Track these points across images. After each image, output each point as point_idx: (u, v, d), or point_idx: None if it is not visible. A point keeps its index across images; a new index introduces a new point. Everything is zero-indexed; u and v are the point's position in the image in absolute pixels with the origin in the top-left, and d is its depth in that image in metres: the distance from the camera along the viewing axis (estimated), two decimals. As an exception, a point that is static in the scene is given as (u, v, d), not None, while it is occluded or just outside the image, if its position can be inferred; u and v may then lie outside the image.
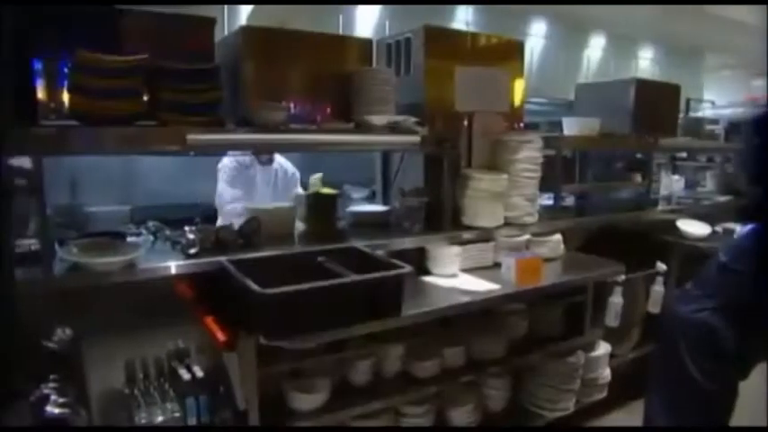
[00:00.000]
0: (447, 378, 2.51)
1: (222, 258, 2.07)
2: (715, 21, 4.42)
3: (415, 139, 2.51)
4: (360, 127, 2.46)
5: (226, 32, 3.27)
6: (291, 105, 2.40)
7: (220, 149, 2.65)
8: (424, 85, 2.77)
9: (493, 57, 3.07)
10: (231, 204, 3.34)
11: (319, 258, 2.18)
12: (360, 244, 2.37)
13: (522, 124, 3.33)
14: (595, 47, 6.48)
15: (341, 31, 4.48)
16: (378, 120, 2.43)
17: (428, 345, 2.52)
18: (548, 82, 5.68)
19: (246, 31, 2.45)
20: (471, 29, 5.24)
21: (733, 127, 4.68)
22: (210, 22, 2.30)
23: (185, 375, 2.12)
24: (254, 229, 2.40)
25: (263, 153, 3.30)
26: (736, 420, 2.21)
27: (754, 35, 4.97)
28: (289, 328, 1.83)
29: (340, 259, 2.16)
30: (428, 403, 2.54)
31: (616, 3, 4.34)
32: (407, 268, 2.01)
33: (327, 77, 2.60)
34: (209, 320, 1.96)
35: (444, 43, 2.90)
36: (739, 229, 3.86)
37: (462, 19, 5.32)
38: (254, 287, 1.77)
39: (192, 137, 2.06)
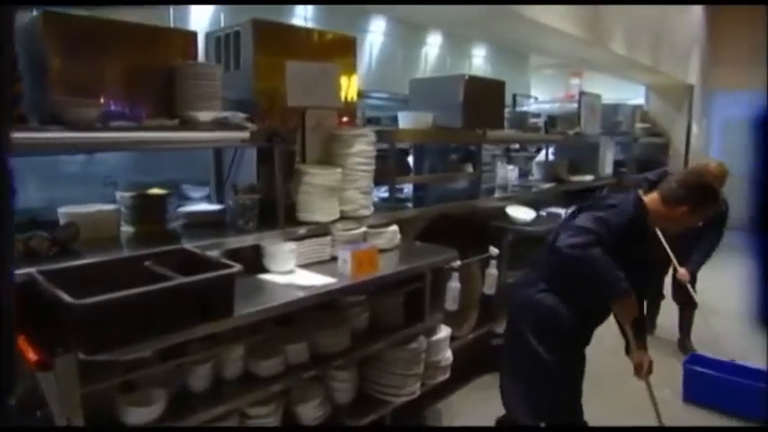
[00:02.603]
0: (291, 375, 2.48)
1: (32, 270, 1.88)
2: (534, 25, 4.80)
3: (244, 135, 2.46)
4: (185, 124, 2.36)
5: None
6: (110, 102, 2.25)
7: (23, 150, 2.40)
8: (255, 79, 2.72)
9: (325, 52, 3.08)
10: None
11: (146, 263, 2.06)
12: (192, 245, 2.28)
13: (357, 119, 3.39)
14: (433, 44, 6.77)
15: (172, 24, 4.26)
16: (204, 116, 2.34)
17: (270, 343, 2.49)
18: (387, 77, 5.85)
19: (47, 16, 2.19)
20: (310, 25, 5.24)
21: (551, 120, 5.13)
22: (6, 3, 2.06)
23: (-8, 404, 1.90)
24: (71, 236, 2.21)
25: (78, 154, 3.05)
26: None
27: (568, 40, 5.50)
28: (111, 340, 1.71)
29: (168, 262, 2.05)
30: (274, 402, 2.50)
31: (443, 3, 4.55)
32: (237, 267, 1.97)
33: (148, 72, 2.44)
34: (20, 339, 1.77)
35: (275, 38, 2.86)
36: (564, 212, 4.26)
37: (301, 15, 5.29)
38: (67, 298, 1.63)
39: (-14, 136, 1.84)
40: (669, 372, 4.15)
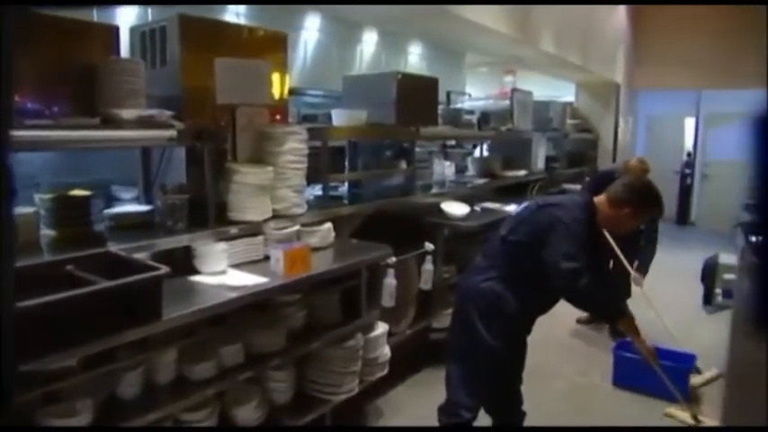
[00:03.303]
0: (227, 377, 2.44)
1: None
2: (467, 24, 4.87)
3: (171, 133, 2.39)
4: (108, 122, 2.27)
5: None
6: (26, 100, 2.14)
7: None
8: (182, 76, 2.66)
9: (256, 49, 3.04)
10: None
11: (68, 267, 1.98)
12: (119, 247, 2.21)
13: (289, 116, 3.36)
14: (368, 42, 6.76)
15: (95, 18, 4.09)
16: (128, 114, 2.26)
17: (204, 346, 2.44)
18: (323, 75, 5.79)
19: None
20: (243, 21, 5.13)
21: (484, 116, 5.23)
22: None
23: None
24: (-16, 242, 2.09)
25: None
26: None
27: (501, 39, 5.62)
28: (29, 350, 1.63)
29: (92, 266, 1.98)
30: (209, 406, 2.45)
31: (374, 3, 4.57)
32: (164, 269, 1.92)
33: (67, 68, 2.34)
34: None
35: (202, 33, 2.79)
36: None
37: (234, 10, 5.18)
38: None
39: None
40: (599, 358, 4.35)
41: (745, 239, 3.71)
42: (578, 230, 2.32)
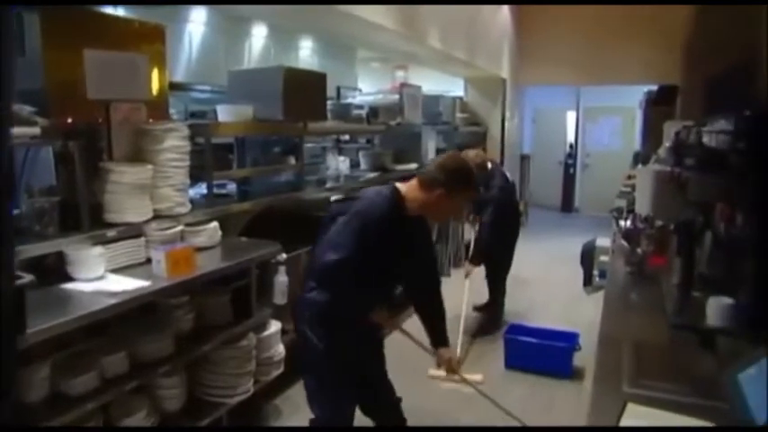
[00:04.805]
0: (110, 389, 2.32)
1: None
2: (356, 20, 4.89)
3: (33, 131, 2.21)
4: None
5: None
6: None
7: None
8: (45, 70, 2.47)
9: (131, 41, 2.90)
10: None
11: None
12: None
13: (169, 113, 3.23)
14: (258, 36, 6.62)
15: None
16: (-21, 110, 2.07)
17: (83, 357, 2.30)
18: (210, 69, 5.58)
19: None
20: (122, 12, 4.86)
21: (372, 111, 5.28)
22: None
23: None
24: None
25: None
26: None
27: (390, 35, 5.69)
28: None
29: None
30: (92, 421, 2.31)
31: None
32: (27, 278, 1.79)
33: None
34: None
35: (68, 24, 2.61)
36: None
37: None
38: None
39: None
40: (492, 342, 4.55)
41: (615, 224, 4.01)
42: (358, 223, 2.21)
